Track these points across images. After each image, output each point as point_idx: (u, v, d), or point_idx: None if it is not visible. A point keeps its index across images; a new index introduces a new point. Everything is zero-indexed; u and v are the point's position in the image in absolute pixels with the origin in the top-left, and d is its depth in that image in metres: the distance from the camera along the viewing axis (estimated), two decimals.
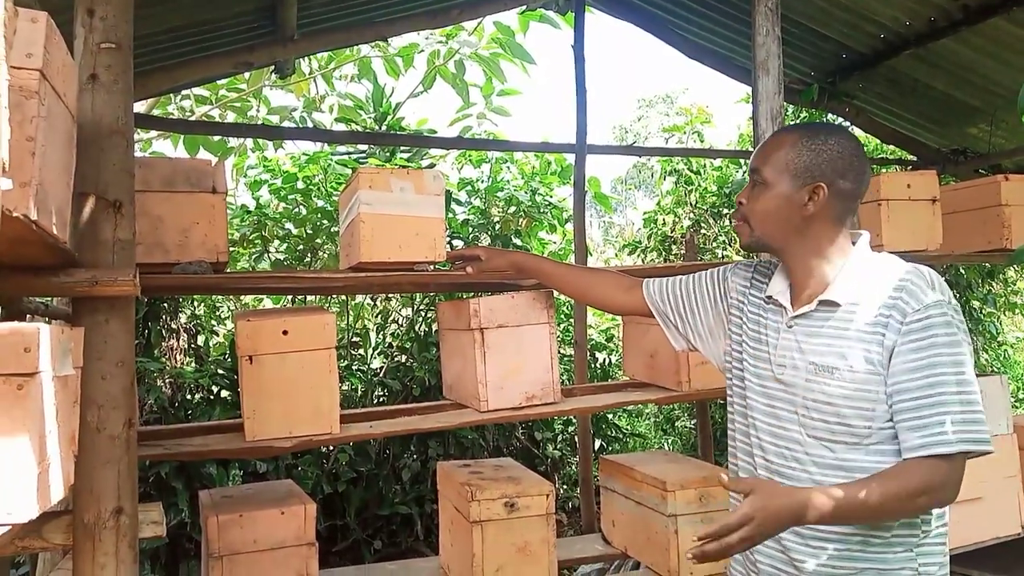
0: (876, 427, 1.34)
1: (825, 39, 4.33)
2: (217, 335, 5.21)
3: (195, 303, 4.92)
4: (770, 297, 1.52)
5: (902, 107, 4.92)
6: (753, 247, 1.54)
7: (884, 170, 5.10)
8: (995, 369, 6.74)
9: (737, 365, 1.58)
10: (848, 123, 5.31)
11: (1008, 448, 2.84)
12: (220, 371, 4.48)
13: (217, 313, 5.15)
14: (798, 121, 5.64)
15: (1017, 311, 7.08)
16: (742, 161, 6.57)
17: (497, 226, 5.35)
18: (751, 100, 2.89)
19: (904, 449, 1.32)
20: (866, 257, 1.45)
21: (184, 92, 5.55)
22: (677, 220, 6.67)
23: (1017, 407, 7.19)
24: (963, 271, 6.11)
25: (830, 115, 5.41)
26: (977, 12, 3.69)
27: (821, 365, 1.39)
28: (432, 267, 2.32)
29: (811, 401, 1.39)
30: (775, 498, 1.26)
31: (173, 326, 4.75)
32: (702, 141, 6.93)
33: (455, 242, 5.31)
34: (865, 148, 5.64)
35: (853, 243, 1.48)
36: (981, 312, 6.58)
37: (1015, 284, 6.92)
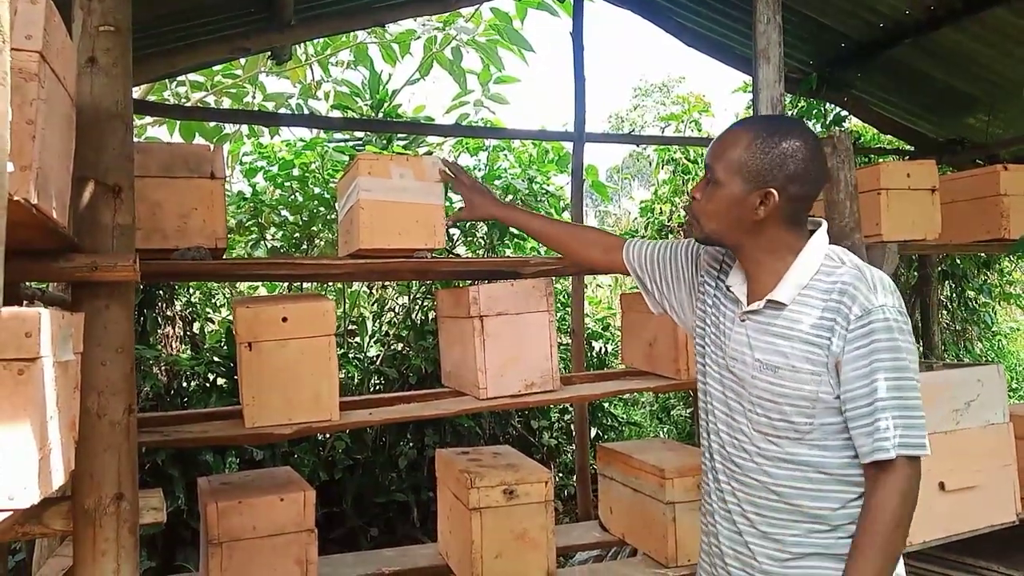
0: (817, 423, 1.37)
1: (824, 28, 4.32)
2: (213, 322, 5.19)
3: (190, 290, 4.90)
4: (729, 287, 1.53)
5: (900, 96, 4.91)
6: (705, 243, 1.54)
7: (882, 159, 5.10)
8: (990, 359, 6.77)
9: (700, 343, 1.59)
10: (846, 112, 5.31)
11: (1004, 437, 2.86)
12: (216, 358, 4.47)
13: (212, 300, 5.13)
14: (795, 111, 5.64)
15: (1012, 301, 7.11)
16: None
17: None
18: (751, 88, 2.88)
19: (860, 454, 1.36)
20: (815, 256, 1.43)
21: (179, 78, 5.51)
22: (674, 209, 6.66)
23: (1012, 397, 7.22)
24: (959, 261, 6.13)
25: (828, 104, 5.40)
26: (977, 1, 3.68)
27: (765, 363, 1.41)
28: (431, 254, 2.31)
29: (755, 397, 1.42)
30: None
31: (169, 313, 4.73)
32: (699, 130, 6.91)
33: (452, 230, 5.30)
34: (863, 137, 5.60)
35: (812, 231, 1.46)
36: (976, 302, 6.60)
37: (1011, 274, 6.95)
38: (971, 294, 6.52)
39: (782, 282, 1.42)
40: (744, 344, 1.46)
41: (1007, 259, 6.63)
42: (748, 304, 1.47)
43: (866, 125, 5.75)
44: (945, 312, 6.38)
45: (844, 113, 5.45)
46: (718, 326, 1.53)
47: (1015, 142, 4.79)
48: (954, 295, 6.44)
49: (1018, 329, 9.08)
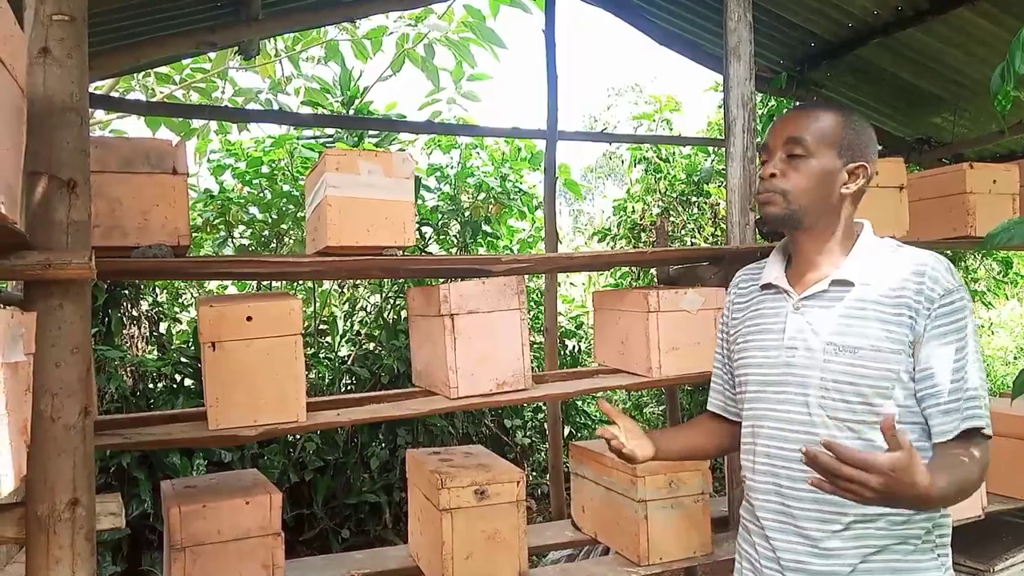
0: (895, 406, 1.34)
1: (794, 27, 4.35)
2: (180, 322, 5.10)
3: (157, 290, 4.81)
4: (767, 284, 1.51)
5: (869, 96, 4.96)
6: (780, 223, 1.47)
7: None
8: None
9: (742, 360, 1.55)
10: None
11: None
12: (183, 359, 4.39)
13: (180, 300, 5.04)
14: (766, 110, 5.67)
15: (977, 298, 7.23)
16: (711, 149, 6.59)
17: (467, 212, 5.30)
18: (723, 86, 2.88)
19: (936, 433, 1.33)
20: (873, 240, 1.45)
21: (146, 71, 5.40)
22: (646, 208, 6.68)
23: None
24: None
25: (798, 103, 5.44)
26: (943, 2, 3.72)
27: (840, 345, 1.36)
28: (401, 252, 2.28)
29: (831, 381, 1.36)
30: (913, 477, 1.11)
31: (134, 313, 4.64)
32: (671, 129, 6.94)
33: (424, 228, 5.26)
34: None
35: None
36: None
37: (976, 272, 7.07)
38: None
39: (847, 262, 1.42)
40: (807, 330, 1.41)
41: (972, 257, 6.74)
42: (801, 291, 1.45)
43: None
44: None
45: None
46: (763, 328, 1.50)
47: (980, 141, 4.87)
48: None
49: (983, 325, 9.25)
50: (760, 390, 1.48)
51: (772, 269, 1.52)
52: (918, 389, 1.34)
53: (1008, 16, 3.62)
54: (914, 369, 1.34)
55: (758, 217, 2.76)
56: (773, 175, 1.45)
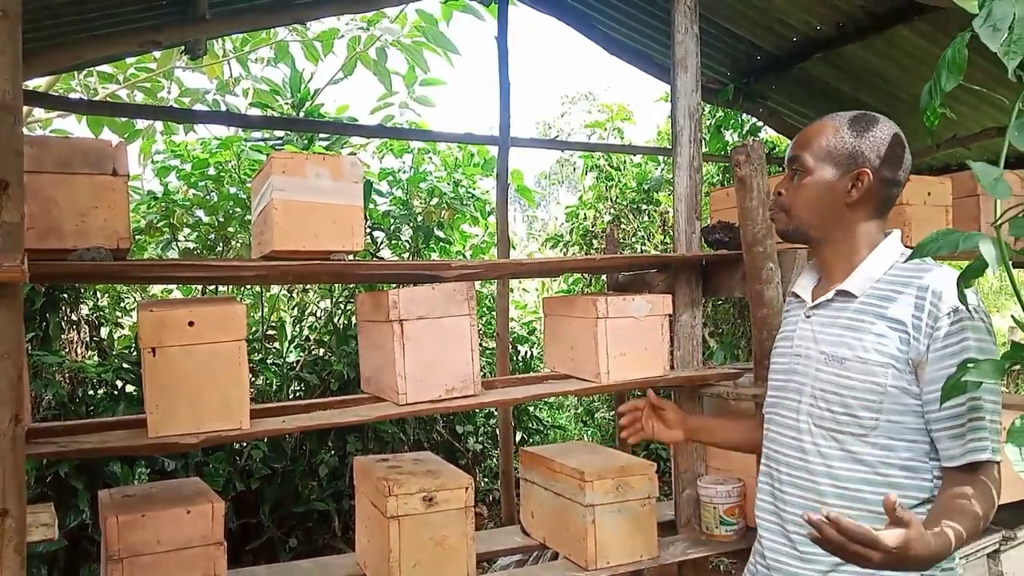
0: (883, 420, 1.34)
1: (740, 40, 4.45)
2: (122, 327, 4.96)
3: (98, 294, 4.67)
4: (794, 293, 1.55)
5: (812, 109, 5.10)
6: (789, 237, 1.51)
7: None
8: None
9: (773, 362, 1.59)
10: (761, 123, 5.49)
11: None
12: (125, 365, 4.27)
13: (122, 305, 4.90)
14: (713, 121, 5.79)
15: None
16: (660, 159, 6.69)
17: (419, 217, 5.28)
18: (670, 98, 2.93)
19: (943, 457, 1.32)
20: (892, 252, 1.42)
21: (88, 69, 5.25)
22: (598, 215, 6.75)
23: None
24: None
25: (744, 115, 5.57)
26: (882, 20, 3.86)
27: (831, 355, 1.39)
28: (350, 257, 2.26)
29: (819, 391, 1.40)
30: (916, 548, 1.13)
31: (74, 318, 4.49)
32: (623, 138, 7.03)
33: (376, 233, 5.22)
34: (777, 147, 5.80)
35: (885, 235, 1.46)
36: None
37: None
38: None
39: (854, 273, 1.42)
40: (809, 339, 1.45)
41: None
42: (814, 299, 1.48)
43: (780, 136, 5.95)
44: None
45: (760, 124, 5.63)
46: (783, 333, 1.55)
47: (917, 155, 5.02)
48: None
49: None
50: (772, 394, 1.53)
51: (803, 279, 1.55)
52: (926, 411, 1.33)
53: (941, 35, 3.77)
54: (921, 389, 1.32)
55: (703, 226, 2.82)
56: (780, 193, 1.50)
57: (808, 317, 1.48)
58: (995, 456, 1.28)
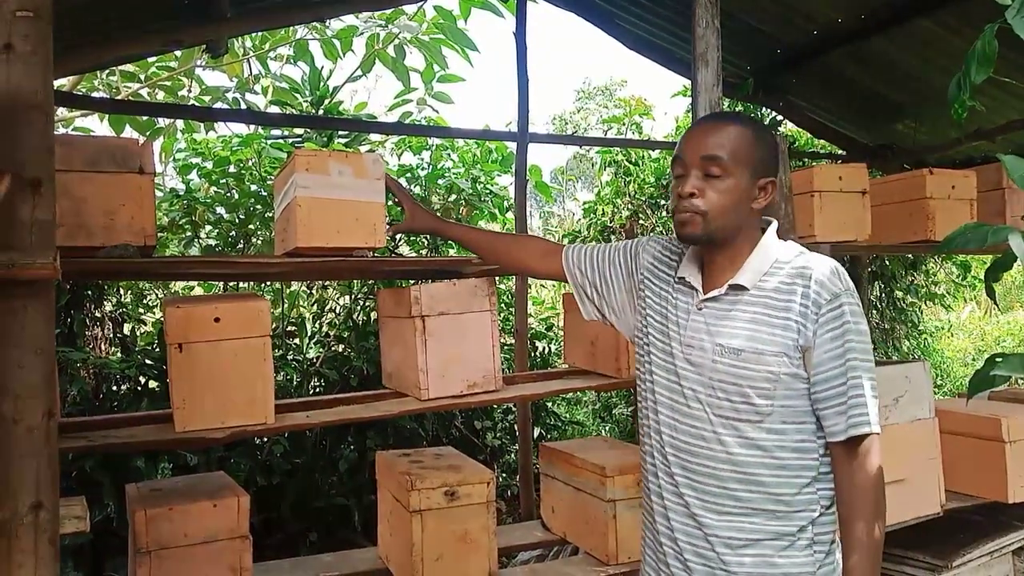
0: (777, 405, 1.41)
1: (761, 34, 4.42)
2: (145, 324, 5.01)
3: (121, 291, 4.73)
4: (682, 278, 1.54)
5: (833, 102, 5.06)
6: (696, 242, 1.48)
7: (816, 163, 5.25)
8: (917, 356, 7.04)
9: (643, 340, 1.59)
10: (782, 117, 5.45)
11: (930, 431, 2.97)
12: (148, 361, 4.32)
13: (145, 301, 4.96)
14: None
15: (936, 301, 7.40)
16: None
17: (437, 214, 5.29)
18: (690, 92, 2.92)
19: (830, 433, 1.42)
20: (773, 245, 1.50)
21: (111, 68, 5.31)
22: (616, 211, 6.72)
23: (937, 392, 7.52)
24: (888, 262, 6.35)
25: (765, 109, 5.53)
26: (905, 12, 3.81)
27: (727, 347, 1.43)
28: (372, 253, 2.27)
29: (717, 381, 1.44)
30: None
31: (97, 315, 4.55)
32: (640, 133, 7.00)
33: None
34: (797, 141, 5.76)
35: (762, 230, 1.51)
36: (904, 302, 6.85)
37: (935, 275, 7.23)
38: (899, 294, 6.76)
39: (744, 268, 1.46)
40: (702, 331, 1.47)
41: (932, 261, 6.90)
42: (705, 292, 1.49)
43: (800, 130, 5.91)
44: (875, 312, 6.61)
45: (780, 117, 5.59)
46: (667, 318, 1.53)
47: (940, 148, 4.98)
48: (883, 295, 6.68)
49: (942, 328, 9.46)
50: (660, 377, 1.53)
51: (688, 265, 1.54)
52: (812, 392, 1.42)
53: (966, 26, 3.72)
54: (808, 372, 1.41)
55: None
56: (692, 194, 1.44)
57: (700, 309, 1.49)
58: (875, 428, 1.40)
